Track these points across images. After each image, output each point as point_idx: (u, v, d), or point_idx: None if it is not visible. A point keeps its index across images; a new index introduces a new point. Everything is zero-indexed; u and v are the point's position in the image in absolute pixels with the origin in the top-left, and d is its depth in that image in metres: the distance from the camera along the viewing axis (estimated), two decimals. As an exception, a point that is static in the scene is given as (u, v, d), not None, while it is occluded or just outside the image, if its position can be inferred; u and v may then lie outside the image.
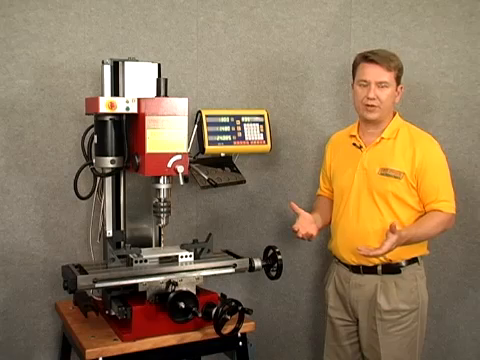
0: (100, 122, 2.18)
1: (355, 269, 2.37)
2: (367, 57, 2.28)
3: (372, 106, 2.27)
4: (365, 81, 2.28)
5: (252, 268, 2.31)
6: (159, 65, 2.29)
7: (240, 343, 2.27)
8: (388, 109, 2.32)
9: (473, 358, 2.99)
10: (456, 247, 2.93)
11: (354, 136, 2.42)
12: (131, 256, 2.15)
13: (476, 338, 2.98)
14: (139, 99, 2.11)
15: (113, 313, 2.12)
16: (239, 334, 2.23)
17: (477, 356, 2.98)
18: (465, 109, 2.86)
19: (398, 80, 2.30)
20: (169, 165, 2.10)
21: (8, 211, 2.47)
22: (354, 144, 2.41)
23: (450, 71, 2.86)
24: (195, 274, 2.18)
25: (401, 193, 2.27)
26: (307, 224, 2.35)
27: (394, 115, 2.38)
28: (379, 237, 2.28)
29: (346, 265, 2.41)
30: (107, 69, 2.23)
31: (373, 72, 2.26)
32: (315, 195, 2.68)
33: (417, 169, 2.26)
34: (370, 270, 2.33)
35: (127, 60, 2.24)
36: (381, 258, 2.29)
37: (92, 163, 2.26)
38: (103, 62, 2.22)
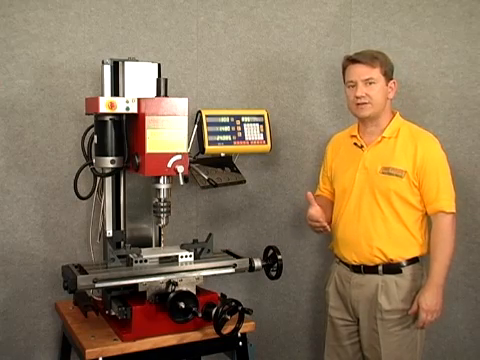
0: (100, 122, 2.18)
1: (356, 269, 2.37)
2: (350, 58, 2.33)
3: (363, 103, 2.29)
4: (352, 81, 2.32)
5: (252, 268, 2.31)
6: (159, 65, 2.29)
7: (240, 343, 2.27)
8: (380, 105, 2.32)
9: (473, 358, 2.98)
10: (456, 247, 2.91)
11: (355, 136, 2.43)
12: (131, 256, 2.15)
13: (476, 338, 2.98)
14: (139, 99, 2.11)
15: (113, 313, 2.12)
16: (239, 334, 2.23)
17: (477, 356, 2.98)
18: (465, 109, 2.86)
19: (387, 76, 2.31)
20: (169, 165, 2.10)
21: (8, 211, 2.47)
22: (355, 144, 2.42)
23: (450, 71, 2.85)
24: (195, 274, 2.18)
25: (403, 192, 2.28)
26: (319, 216, 2.34)
27: (394, 115, 2.39)
28: (380, 236, 2.30)
29: (347, 265, 2.41)
30: (107, 69, 2.23)
31: (357, 71, 2.29)
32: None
33: (418, 167, 2.26)
34: (371, 270, 2.33)
35: (127, 60, 2.24)
36: (382, 258, 2.30)
37: (92, 163, 2.26)
38: (103, 62, 2.22)
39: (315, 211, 2.33)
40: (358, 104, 2.30)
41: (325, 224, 2.34)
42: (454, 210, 2.29)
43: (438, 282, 2.26)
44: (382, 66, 2.29)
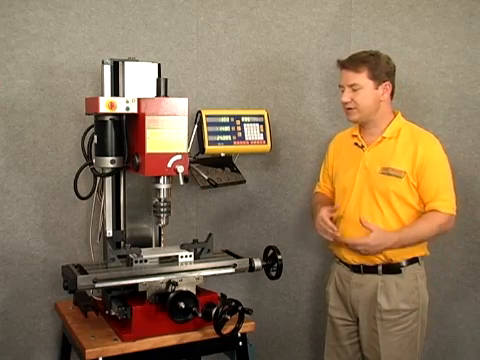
0: (100, 122, 2.18)
1: (356, 269, 2.37)
2: (339, 62, 2.34)
3: (349, 109, 2.31)
4: (340, 86, 2.34)
5: (252, 268, 2.31)
6: (159, 65, 2.29)
7: (240, 343, 2.27)
8: (368, 109, 2.31)
9: (473, 358, 2.99)
10: (456, 247, 2.93)
11: (356, 136, 2.43)
12: (131, 256, 2.15)
13: (476, 338, 2.98)
14: (139, 99, 2.11)
15: (113, 313, 2.12)
16: (239, 334, 2.23)
17: (477, 356, 2.98)
18: (465, 109, 2.86)
19: (377, 79, 2.28)
20: (169, 165, 2.10)
21: (8, 211, 2.47)
22: (356, 144, 2.42)
23: (450, 71, 2.86)
24: (195, 274, 2.18)
25: (402, 192, 2.27)
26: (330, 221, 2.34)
27: (396, 115, 2.38)
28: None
29: (347, 265, 2.41)
30: (107, 69, 2.22)
31: (344, 77, 2.31)
32: (313, 192, 2.67)
33: (418, 167, 2.26)
34: (371, 270, 2.33)
35: (127, 60, 2.23)
36: (382, 258, 2.30)
37: (92, 163, 2.26)
38: (103, 62, 2.22)
39: (327, 214, 2.32)
40: (346, 109, 2.33)
41: (338, 234, 2.31)
42: (452, 212, 2.27)
43: (398, 238, 2.23)
44: (370, 70, 2.26)
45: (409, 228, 2.27)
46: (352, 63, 2.28)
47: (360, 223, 2.25)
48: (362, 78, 2.27)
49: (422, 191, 2.28)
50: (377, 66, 2.28)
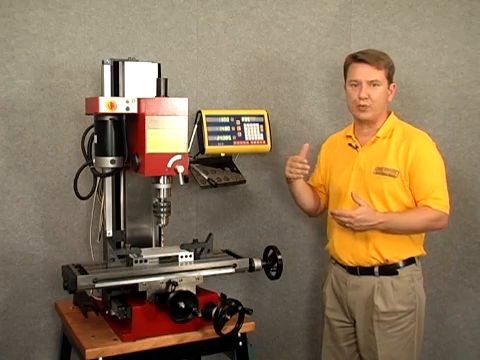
0: (100, 122, 2.19)
1: (352, 270, 2.36)
2: (357, 57, 2.29)
3: (364, 106, 2.28)
4: (356, 81, 2.28)
5: (252, 268, 2.31)
6: (159, 65, 2.29)
7: (240, 343, 2.27)
8: (381, 108, 2.31)
9: (473, 358, 2.99)
10: (456, 247, 2.93)
11: (350, 136, 2.43)
12: (131, 256, 2.15)
13: (476, 338, 2.98)
14: (139, 99, 2.11)
15: (113, 313, 2.12)
16: (239, 334, 2.23)
17: (477, 356, 2.98)
18: (465, 109, 2.86)
19: (389, 78, 2.30)
20: (169, 165, 2.10)
21: (8, 211, 2.47)
22: (350, 144, 2.41)
23: (450, 71, 2.85)
24: (195, 274, 2.18)
25: (397, 192, 2.26)
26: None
27: (389, 114, 2.38)
28: (376, 236, 2.28)
29: (343, 266, 2.40)
30: (107, 69, 2.22)
31: (363, 71, 2.26)
32: None
33: (410, 165, 2.25)
34: (367, 271, 2.32)
35: (127, 60, 2.24)
36: (378, 258, 2.29)
37: (92, 163, 2.26)
38: (103, 62, 2.22)
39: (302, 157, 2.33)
40: (360, 106, 2.28)
41: (307, 166, 2.31)
42: (444, 210, 2.23)
43: (384, 219, 2.20)
44: (386, 68, 2.27)
45: (398, 214, 2.26)
46: (374, 58, 2.25)
47: (351, 197, 2.22)
48: (381, 75, 2.26)
49: (414, 190, 2.26)
50: (390, 65, 2.30)
